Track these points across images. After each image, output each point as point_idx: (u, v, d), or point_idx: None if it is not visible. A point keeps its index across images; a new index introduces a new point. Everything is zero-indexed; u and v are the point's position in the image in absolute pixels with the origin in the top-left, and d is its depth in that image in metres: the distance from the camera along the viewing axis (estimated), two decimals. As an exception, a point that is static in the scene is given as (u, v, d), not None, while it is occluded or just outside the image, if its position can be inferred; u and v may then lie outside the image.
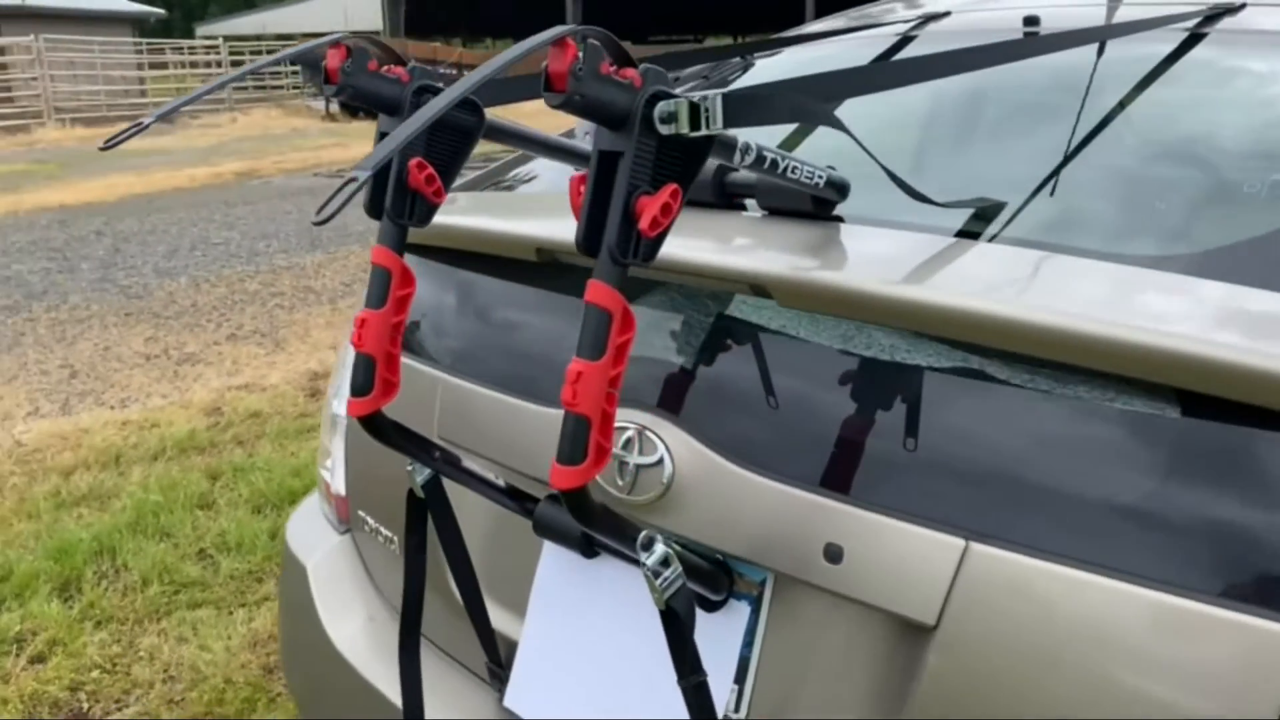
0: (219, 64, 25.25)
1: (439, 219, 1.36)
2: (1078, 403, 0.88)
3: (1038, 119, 1.40)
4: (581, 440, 0.84)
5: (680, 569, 0.93)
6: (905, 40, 1.65)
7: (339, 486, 1.59)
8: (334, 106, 23.25)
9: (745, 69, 1.80)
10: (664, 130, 0.81)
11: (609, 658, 1.21)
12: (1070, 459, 0.88)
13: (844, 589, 0.97)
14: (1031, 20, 1.51)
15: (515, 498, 1.20)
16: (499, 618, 1.31)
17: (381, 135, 1.03)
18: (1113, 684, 0.83)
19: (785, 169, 0.97)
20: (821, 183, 1.03)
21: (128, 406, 4.38)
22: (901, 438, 0.96)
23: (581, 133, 1.48)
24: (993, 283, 0.95)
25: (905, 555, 0.93)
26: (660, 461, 1.08)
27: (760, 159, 0.94)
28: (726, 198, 1.20)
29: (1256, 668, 0.77)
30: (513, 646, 1.28)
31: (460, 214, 1.34)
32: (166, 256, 7.51)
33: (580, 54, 0.77)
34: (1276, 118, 1.25)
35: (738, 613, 1.09)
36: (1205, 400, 0.81)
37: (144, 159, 13.69)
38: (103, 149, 0.93)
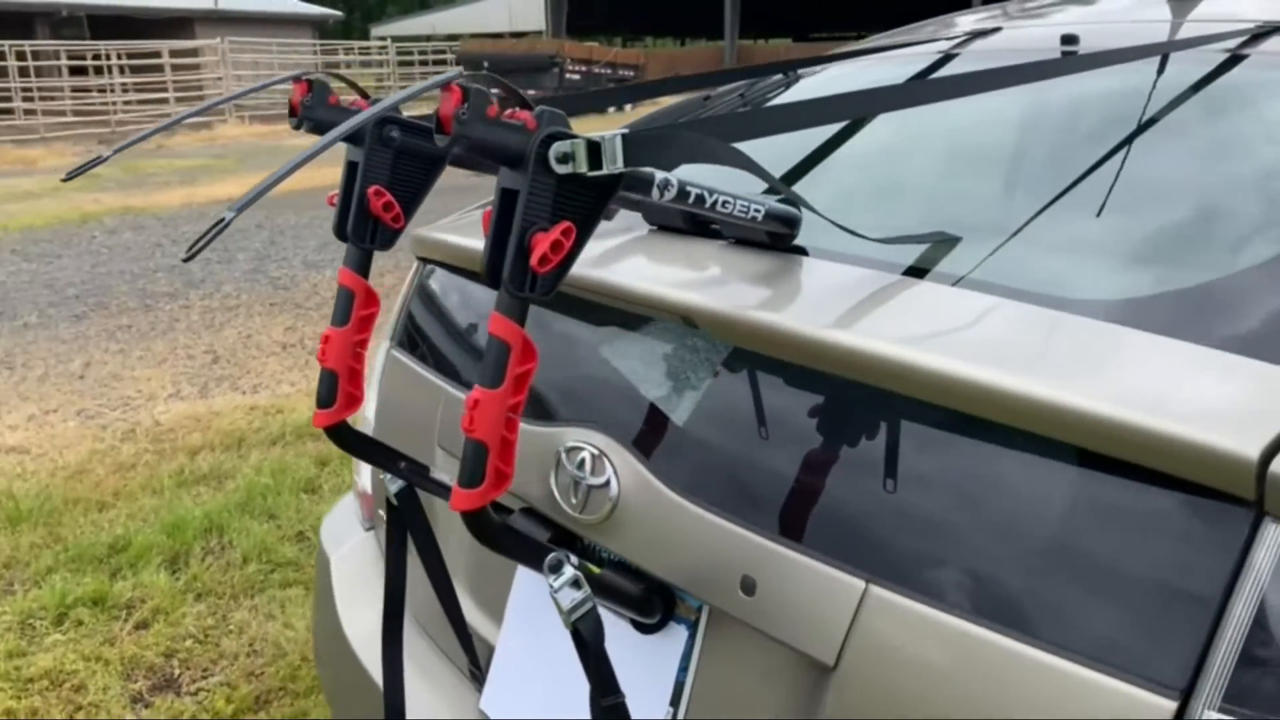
0: (384, 63, 26.37)
1: (440, 235, 1.43)
2: (982, 457, 0.86)
3: (1033, 147, 1.35)
4: (479, 464, 0.88)
5: (588, 593, 0.96)
6: (945, 59, 1.62)
7: (364, 484, 1.67)
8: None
9: (788, 86, 1.80)
10: (560, 170, 0.83)
11: (577, 669, 1.24)
12: (973, 512, 0.86)
13: (756, 622, 0.97)
14: (1070, 39, 1.46)
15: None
16: (482, 623, 1.37)
17: (349, 165, 1.09)
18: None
19: (714, 204, 0.98)
20: (759, 217, 1.03)
21: (258, 392, 4.67)
22: (816, 476, 0.96)
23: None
24: (913, 328, 0.93)
25: (810, 593, 0.93)
26: (608, 483, 1.11)
27: (683, 194, 0.96)
28: (700, 225, 1.22)
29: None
30: (493, 651, 1.33)
31: (454, 232, 1.39)
32: (317, 250, 7.92)
33: (465, 100, 0.81)
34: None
35: (676, 636, 1.10)
36: (1103, 461, 0.79)
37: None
38: (65, 180, 1.03)
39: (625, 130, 0.84)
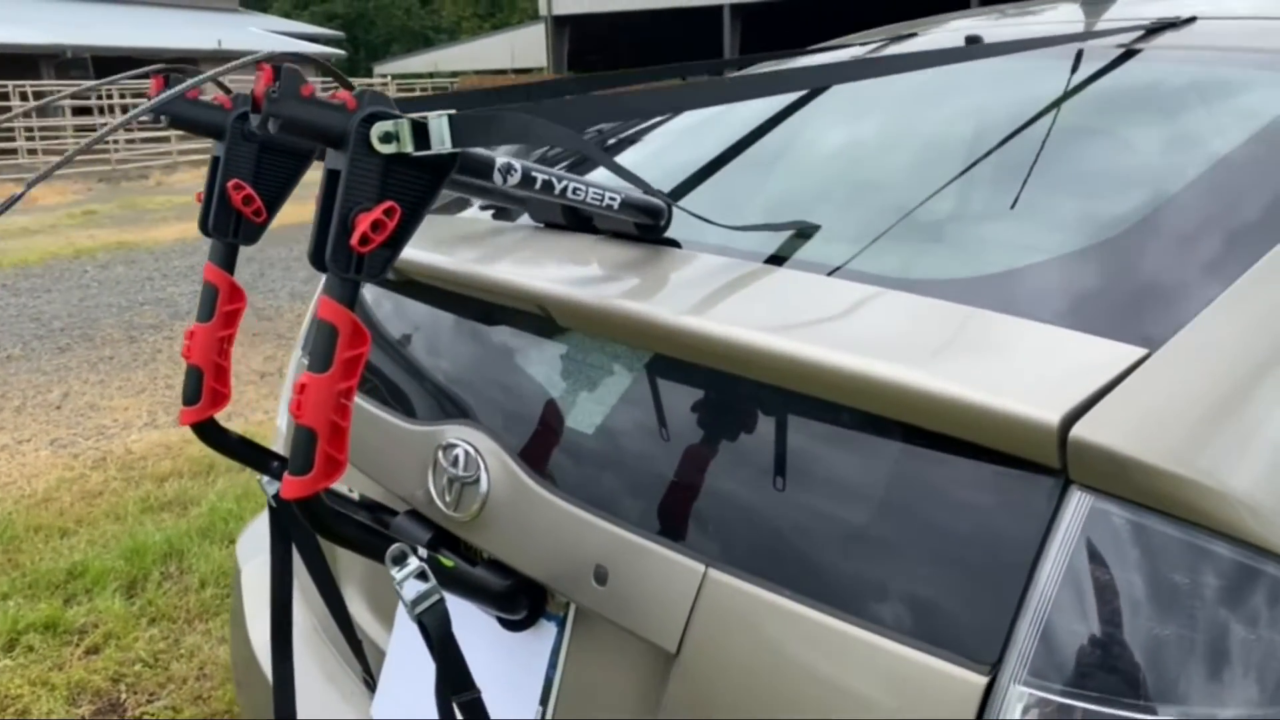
0: (385, 101, 26.55)
1: None
2: (812, 436, 0.85)
3: (907, 140, 1.34)
4: (308, 451, 0.87)
5: (434, 584, 0.94)
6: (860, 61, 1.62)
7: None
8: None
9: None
10: (384, 149, 0.83)
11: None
12: (803, 492, 0.85)
13: (607, 612, 0.96)
14: (973, 39, 1.46)
15: (372, 510, 1.23)
16: (375, 629, 1.35)
17: (214, 160, 1.08)
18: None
19: (563, 190, 0.98)
20: (615, 205, 1.02)
21: (232, 420, 4.65)
22: (665, 462, 0.95)
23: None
24: (755, 312, 0.92)
25: (654, 579, 0.91)
26: (477, 479, 1.10)
27: (528, 179, 0.95)
28: (582, 221, 1.21)
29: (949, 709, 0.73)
30: (385, 657, 1.31)
31: None
32: (305, 281, 7.93)
33: (276, 79, 0.81)
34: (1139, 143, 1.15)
35: (546, 633, 1.08)
36: (922, 435, 0.78)
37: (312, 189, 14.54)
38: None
39: (452, 110, 0.84)
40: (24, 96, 18.27)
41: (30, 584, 3.08)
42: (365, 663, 1.32)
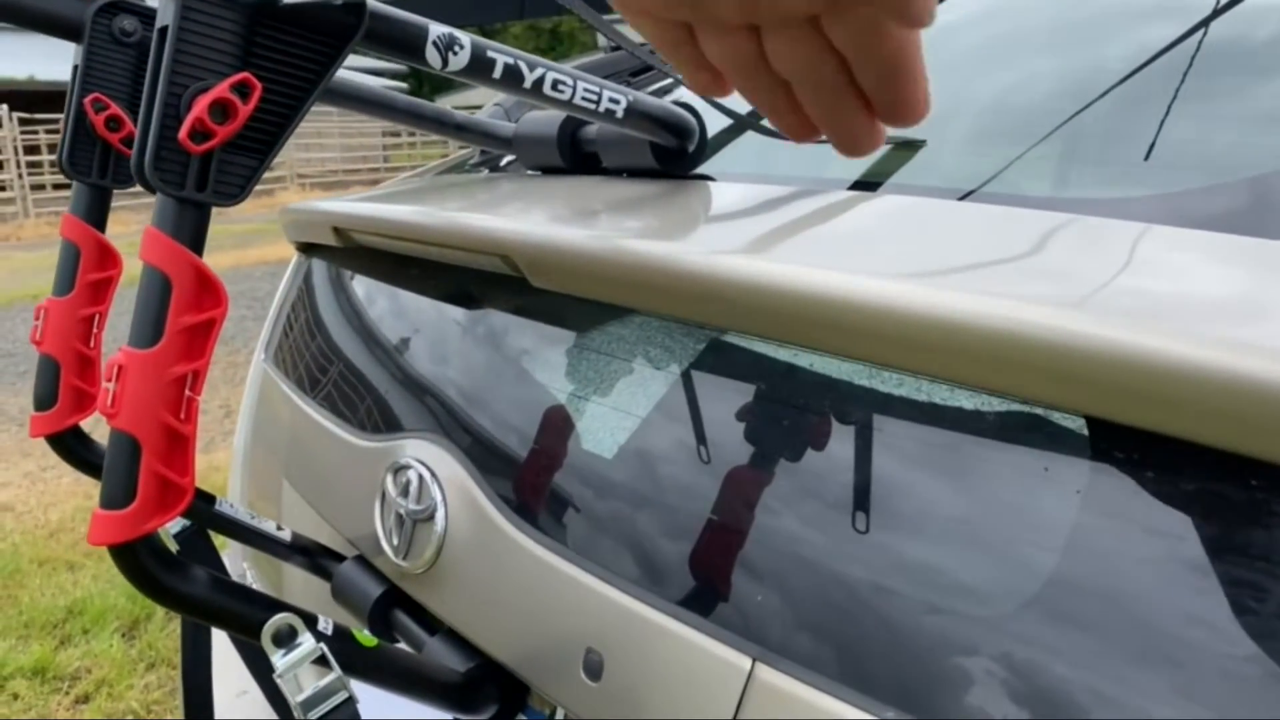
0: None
1: (328, 209, 1.11)
2: (951, 462, 0.51)
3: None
4: (128, 473, 0.56)
5: (337, 677, 0.62)
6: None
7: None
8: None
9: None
10: (238, -6, 0.52)
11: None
12: (945, 553, 0.51)
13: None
14: None
15: (308, 555, 0.92)
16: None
17: (73, 71, 0.79)
18: None
19: (538, 82, 0.66)
20: (619, 110, 0.70)
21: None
22: (699, 492, 0.61)
23: (490, 111, 1.20)
24: (875, 257, 0.59)
25: (671, 675, 0.58)
26: (432, 514, 0.78)
27: (483, 62, 0.63)
28: (584, 160, 0.89)
29: None
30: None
31: (350, 206, 1.05)
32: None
33: None
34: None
35: (527, 738, 0.75)
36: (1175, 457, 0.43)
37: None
38: None
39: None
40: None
41: (26, 623, 2.83)
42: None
